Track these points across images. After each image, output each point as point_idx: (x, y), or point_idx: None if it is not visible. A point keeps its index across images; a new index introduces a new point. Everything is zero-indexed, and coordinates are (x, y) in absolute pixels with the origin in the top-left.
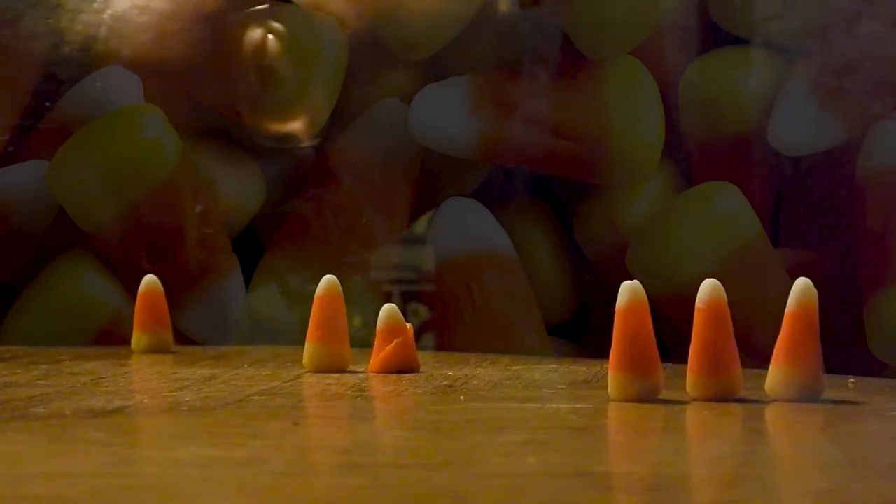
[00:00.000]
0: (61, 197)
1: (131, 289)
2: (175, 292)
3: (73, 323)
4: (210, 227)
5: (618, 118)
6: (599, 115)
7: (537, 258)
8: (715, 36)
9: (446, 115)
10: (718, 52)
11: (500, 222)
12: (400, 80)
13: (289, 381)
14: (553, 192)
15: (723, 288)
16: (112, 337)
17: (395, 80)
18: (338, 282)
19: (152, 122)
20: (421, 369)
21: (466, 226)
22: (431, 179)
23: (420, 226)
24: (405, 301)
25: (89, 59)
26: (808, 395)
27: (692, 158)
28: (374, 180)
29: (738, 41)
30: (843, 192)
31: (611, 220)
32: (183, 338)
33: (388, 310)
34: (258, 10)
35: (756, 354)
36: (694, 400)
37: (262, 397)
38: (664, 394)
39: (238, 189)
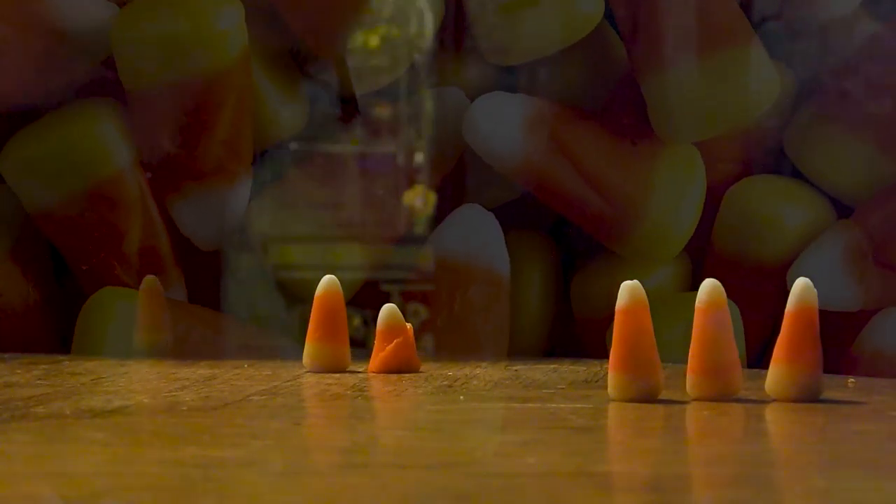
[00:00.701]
0: None
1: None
2: (181, 179)
3: (73, 166)
4: (241, 131)
5: (659, 198)
6: (643, 188)
7: (525, 291)
8: (777, 161)
9: (500, 126)
10: (768, 177)
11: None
12: (470, 74)
13: (289, 381)
14: (568, 239)
15: (723, 288)
16: (102, 198)
17: (465, 72)
18: (338, 282)
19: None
20: (421, 369)
21: (476, 236)
22: (460, 178)
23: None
24: (405, 301)
25: None
26: (807, 395)
27: (708, 266)
28: (409, 154)
29: (795, 173)
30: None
31: (609, 290)
32: (173, 228)
33: (388, 310)
34: None
35: None
36: (694, 400)
37: (262, 397)
38: (664, 394)
39: (282, 111)
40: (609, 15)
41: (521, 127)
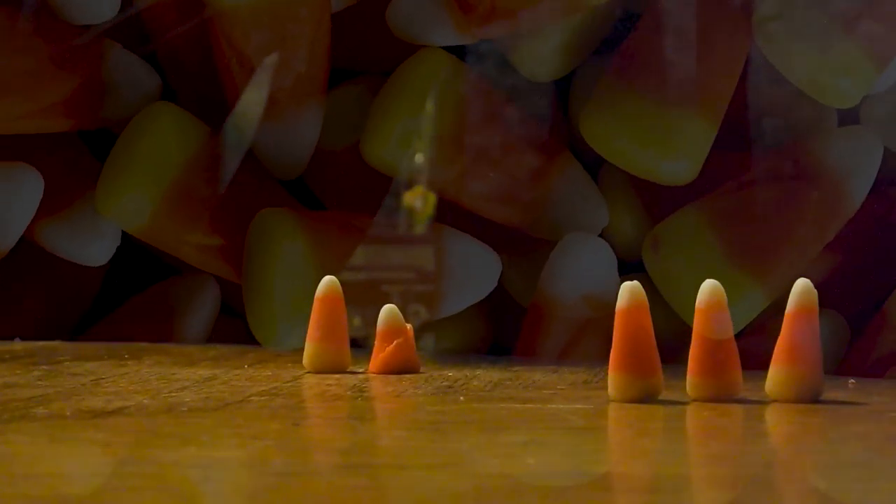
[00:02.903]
0: None
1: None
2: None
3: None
4: (318, 61)
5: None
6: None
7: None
8: None
9: None
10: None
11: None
12: None
13: (289, 381)
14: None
15: (722, 289)
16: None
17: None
18: (338, 282)
19: None
20: (421, 370)
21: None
22: None
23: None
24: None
25: None
26: (807, 396)
27: None
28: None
29: None
30: None
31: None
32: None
33: (387, 310)
34: None
35: None
36: (694, 401)
37: (263, 398)
38: (664, 394)
39: None
40: None
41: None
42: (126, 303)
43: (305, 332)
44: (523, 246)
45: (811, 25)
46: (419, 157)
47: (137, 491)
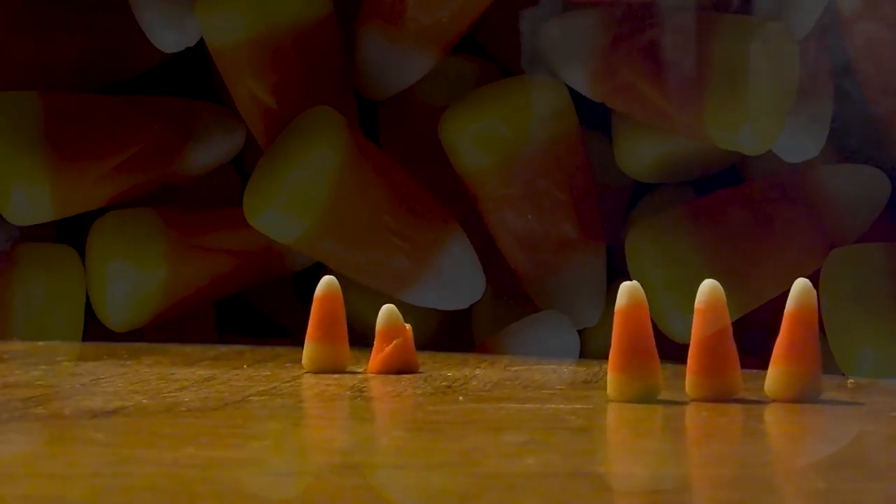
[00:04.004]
0: None
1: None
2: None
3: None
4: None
5: None
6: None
7: None
8: None
9: None
10: None
11: None
12: None
13: (288, 381)
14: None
15: (722, 289)
16: None
17: None
18: (337, 282)
19: None
20: (420, 370)
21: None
22: None
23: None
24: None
25: None
26: (807, 396)
27: None
28: None
29: None
30: None
31: None
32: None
33: (387, 310)
34: None
35: None
36: (693, 401)
37: (262, 398)
38: (664, 394)
39: None
40: None
41: None
42: None
43: (290, 229)
44: (510, 292)
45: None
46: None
47: (136, 491)
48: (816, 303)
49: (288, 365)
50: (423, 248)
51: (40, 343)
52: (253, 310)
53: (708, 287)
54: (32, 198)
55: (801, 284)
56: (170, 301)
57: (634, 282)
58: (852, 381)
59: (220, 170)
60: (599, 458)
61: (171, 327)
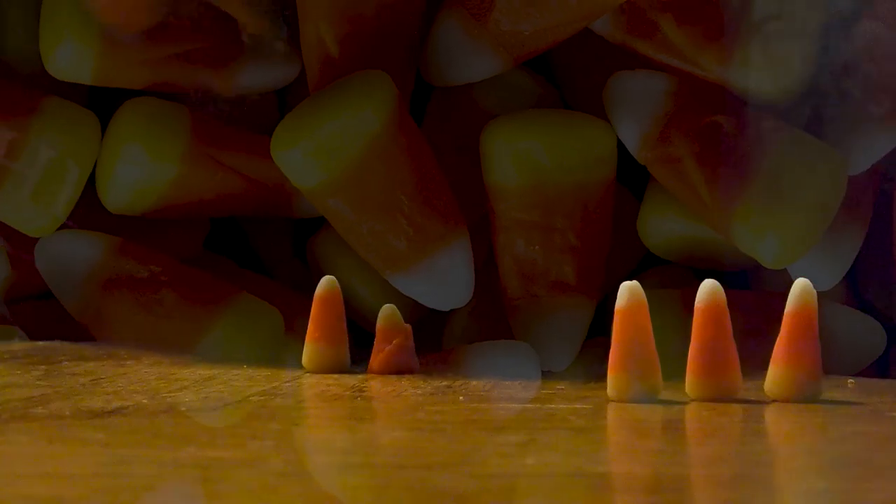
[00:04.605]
0: None
1: None
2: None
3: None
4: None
5: None
6: None
7: None
8: None
9: None
10: None
11: None
12: None
13: (288, 381)
14: None
15: (722, 289)
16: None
17: None
18: (337, 282)
19: None
20: (420, 370)
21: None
22: None
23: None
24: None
25: None
26: (807, 396)
27: None
28: None
29: None
30: None
31: None
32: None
33: (387, 310)
34: None
35: None
36: (693, 400)
37: (262, 398)
38: (664, 394)
39: None
40: None
41: None
42: None
43: (309, 175)
44: (492, 311)
45: None
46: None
47: (136, 491)
48: (816, 302)
49: (288, 365)
50: (426, 240)
51: (40, 343)
52: (245, 239)
53: (708, 286)
54: (78, 56)
55: (800, 284)
56: (171, 201)
57: (634, 282)
58: (852, 381)
59: (263, 96)
60: (599, 458)
61: (161, 225)
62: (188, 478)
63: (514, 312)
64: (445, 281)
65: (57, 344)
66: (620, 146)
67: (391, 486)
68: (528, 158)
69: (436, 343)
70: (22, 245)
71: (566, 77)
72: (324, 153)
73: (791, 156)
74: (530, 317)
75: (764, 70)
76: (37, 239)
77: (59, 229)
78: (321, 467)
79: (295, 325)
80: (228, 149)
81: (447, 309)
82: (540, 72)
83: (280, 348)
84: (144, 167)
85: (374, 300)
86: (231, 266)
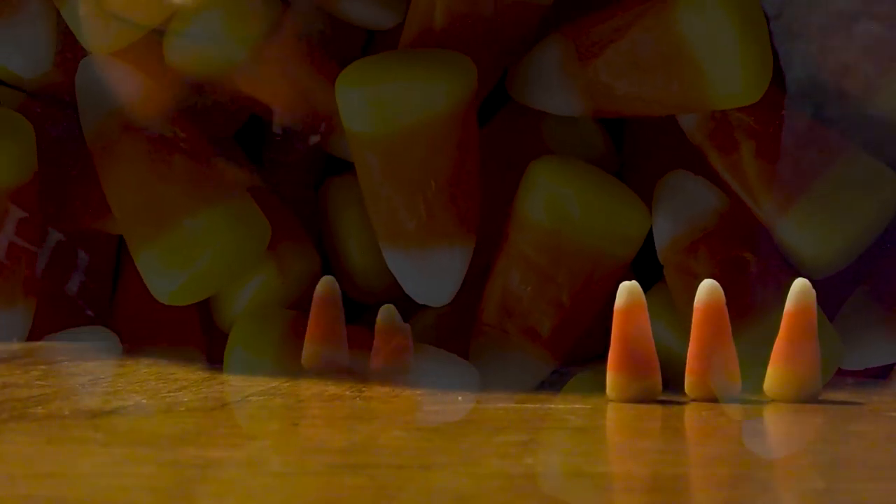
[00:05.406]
0: None
1: None
2: None
3: None
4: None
5: None
6: None
7: None
8: None
9: None
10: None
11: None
12: None
13: (288, 381)
14: None
15: (721, 289)
16: None
17: None
18: (336, 283)
19: None
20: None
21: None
22: None
23: None
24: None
25: None
26: (807, 396)
27: None
28: None
29: None
30: None
31: None
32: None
33: (386, 310)
34: None
35: None
36: (692, 401)
37: (261, 398)
38: (663, 394)
39: None
40: None
41: None
42: None
43: (360, 120)
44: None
45: None
46: None
47: (136, 491)
48: (815, 302)
49: (287, 365)
50: (434, 232)
51: (40, 343)
52: (272, 143)
53: (707, 287)
54: None
55: (800, 284)
56: (230, 84)
57: (633, 282)
58: (851, 381)
59: (353, 30)
60: (599, 458)
61: (202, 105)
62: (188, 478)
63: (478, 335)
64: (433, 277)
65: (57, 344)
66: (649, 237)
67: (391, 486)
68: (560, 204)
69: None
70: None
71: (632, 149)
72: (381, 107)
73: (855, 180)
74: (490, 347)
75: (813, 237)
76: None
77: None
78: (321, 467)
79: (278, 248)
80: (295, 56)
81: (421, 302)
82: (612, 133)
83: (254, 262)
84: (219, 37)
85: (361, 262)
86: (247, 163)
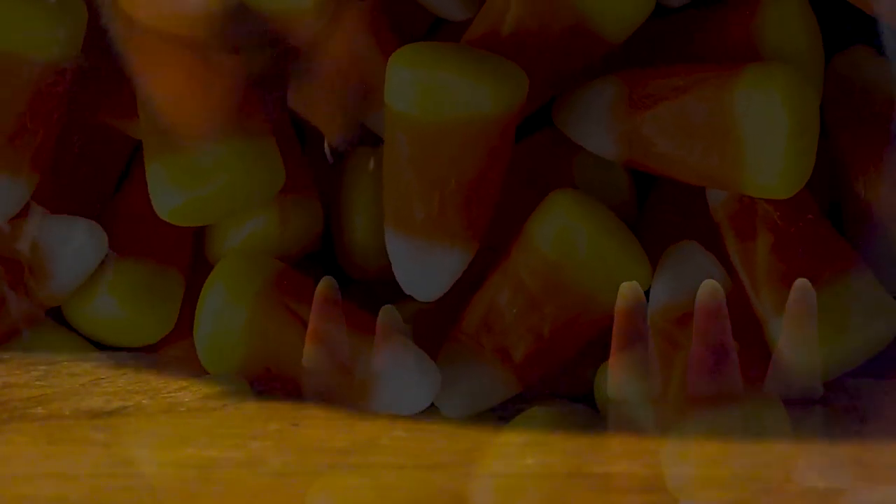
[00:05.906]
0: None
1: None
2: None
3: None
4: None
5: None
6: None
7: None
8: None
9: None
10: None
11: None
12: None
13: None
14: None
15: (722, 289)
16: None
17: None
18: (336, 283)
19: None
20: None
21: None
22: None
23: None
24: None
25: None
26: (807, 396)
27: None
28: None
29: None
30: None
31: None
32: None
33: (386, 310)
34: None
35: None
36: (692, 400)
37: (261, 398)
38: (656, 395)
39: None
40: None
41: None
42: None
43: (405, 100)
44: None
45: None
46: None
47: (136, 491)
48: (815, 303)
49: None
50: (439, 229)
51: (40, 343)
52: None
53: (708, 287)
54: None
55: (800, 284)
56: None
57: (634, 282)
58: (851, 380)
59: (422, 13)
60: (600, 458)
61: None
62: (188, 478)
63: (453, 340)
64: (426, 271)
65: (57, 344)
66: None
67: (391, 486)
68: (569, 240)
69: (373, 306)
70: None
71: (654, 206)
72: (428, 93)
73: None
74: (461, 355)
75: (803, 353)
76: None
77: None
78: (321, 467)
79: (286, 199)
80: (355, 20)
81: (407, 292)
82: (638, 184)
83: (259, 204)
84: None
85: (362, 237)
86: (283, 107)
